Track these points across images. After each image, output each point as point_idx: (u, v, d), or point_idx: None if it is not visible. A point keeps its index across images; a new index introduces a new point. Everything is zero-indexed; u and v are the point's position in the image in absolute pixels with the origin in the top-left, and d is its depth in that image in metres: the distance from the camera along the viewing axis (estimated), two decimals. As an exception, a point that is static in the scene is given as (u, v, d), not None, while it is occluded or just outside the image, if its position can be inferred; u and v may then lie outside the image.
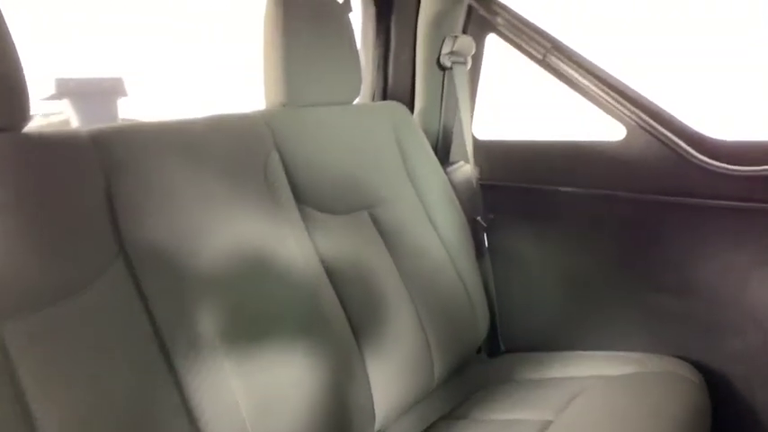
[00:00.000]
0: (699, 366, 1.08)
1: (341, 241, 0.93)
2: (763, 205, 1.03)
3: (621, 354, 1.14)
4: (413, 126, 1.19)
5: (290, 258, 0.83)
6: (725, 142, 1.11)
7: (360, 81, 1.11)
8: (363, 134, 1.08)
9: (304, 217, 0.88)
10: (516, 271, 1.34)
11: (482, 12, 1.30)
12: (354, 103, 1.13)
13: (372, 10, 1.34)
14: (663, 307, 1.16)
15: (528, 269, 1.35)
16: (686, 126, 1.14)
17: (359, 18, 1.37)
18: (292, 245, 0.84)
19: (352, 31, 1.07)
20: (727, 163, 1.06)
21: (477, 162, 1.33)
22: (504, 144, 1.41)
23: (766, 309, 1.04)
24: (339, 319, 0.86)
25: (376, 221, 1.01)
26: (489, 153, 1.37)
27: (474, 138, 1.35)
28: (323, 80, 1.00)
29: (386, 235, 1.01)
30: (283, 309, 0.79)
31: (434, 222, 1.13)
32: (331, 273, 0.88)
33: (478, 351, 1.28)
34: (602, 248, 1.24)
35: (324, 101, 1.01)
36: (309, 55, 0.96)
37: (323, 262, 0.88)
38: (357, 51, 1.09)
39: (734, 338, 1.08)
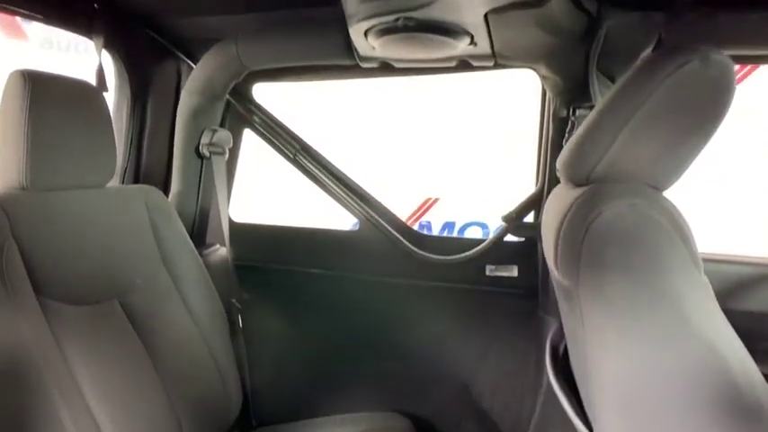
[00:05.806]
0: (413, 416, 1.34)
1: (87, 335, 0.90)
2: (453, 285, 1.36)
3: (352, 415, 1.33)
4: (168, 210, 1.20)
5: (28, 356, 0.79)
6: (432, 236, 1.45)
7: (114, 165, 1.09)
8: (115, 219, 1.07)
9: (45, 310, 0.84)
10: (268, 347, 1.45)
11: (240, 109, 1.44)
12: (107, 186, 1.12)
13: (127, 92, 1.35)
14: (386, 370, 1.40)
15: (278, 345, 1.47)
16: (403, 222, 1.46)
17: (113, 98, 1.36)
18: (30, 342, 0.80)
19: (107, 112, 1.05)
20: (431, 253, 1.38)
21: (232, 244, 1.41)
22: (257, 228, 1.53)
23: (457, 364, 1.36)
24: (84, 413, 0.84)
25: (127, 310, 1.00)
26: (244, 235, 1.47)
27: (231, 221, 1.44)
28: (71, 163, 0.97)
29: (137, 323, 1.01)
30: (13, 420, 0.74)
31: (189, 306, 1.15)
32: (75, 370, 0.85)
33: (232, 428, 1.31)
34: (338, 323, 1.45)
35: (72, 184, 0.99)
36: (56, 137, 0.93)
37: (65, 359, 0.84)
38: (112, 133, 1.07)
39: (437, 391, 1.38)
